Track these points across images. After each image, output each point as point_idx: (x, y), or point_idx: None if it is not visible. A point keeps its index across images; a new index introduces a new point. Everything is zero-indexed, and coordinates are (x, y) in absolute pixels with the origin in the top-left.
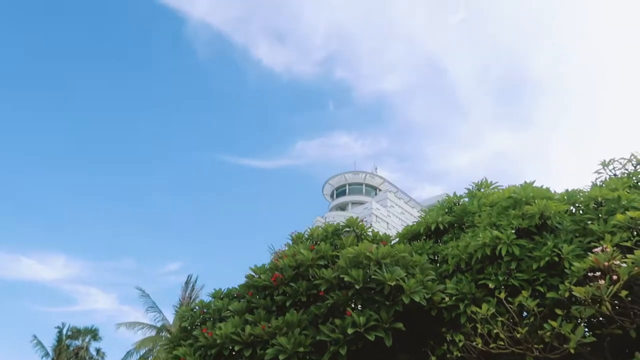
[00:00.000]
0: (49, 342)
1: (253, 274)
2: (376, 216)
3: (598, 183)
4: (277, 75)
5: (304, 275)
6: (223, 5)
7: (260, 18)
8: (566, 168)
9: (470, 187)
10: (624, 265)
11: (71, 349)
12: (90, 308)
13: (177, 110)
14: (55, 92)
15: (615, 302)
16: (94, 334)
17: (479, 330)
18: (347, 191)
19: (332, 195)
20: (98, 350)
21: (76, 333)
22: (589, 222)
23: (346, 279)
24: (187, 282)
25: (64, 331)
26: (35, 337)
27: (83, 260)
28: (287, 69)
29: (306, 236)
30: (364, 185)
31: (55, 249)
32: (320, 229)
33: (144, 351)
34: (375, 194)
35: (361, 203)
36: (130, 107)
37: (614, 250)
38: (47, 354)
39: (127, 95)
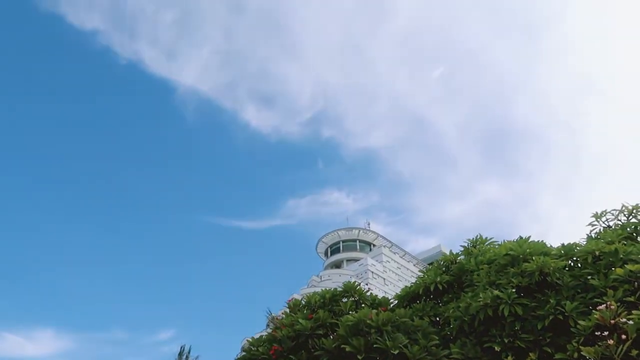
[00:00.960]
0: None
1: (250, 346)
2: (372, 272)
3: (593, 235)
4: (265, 137)
5: (304, 345)
6: (212, 72)
7: (247, 83)
8: (556, 215)
9: (466, 244)
10: (631, 322)
11: None
12: None
13: (166, 173)
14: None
15: None
16: None
17: None
18: (341, 248)
19: (326, 253)
20: None
21: None
22: (589, 277)
23: (347, 349)
24: (180, 354)
25: None
26: None
27: (72, 332)
28: (275, 130)
29: (303, 303)
30: (357, 242)
31: (41, 322)
32: (317, 295)
33: None
34: (370, 249)
35: (356, 260)
36: (119, 170)
37: (618, 307)
38: None
39: (117, 158)
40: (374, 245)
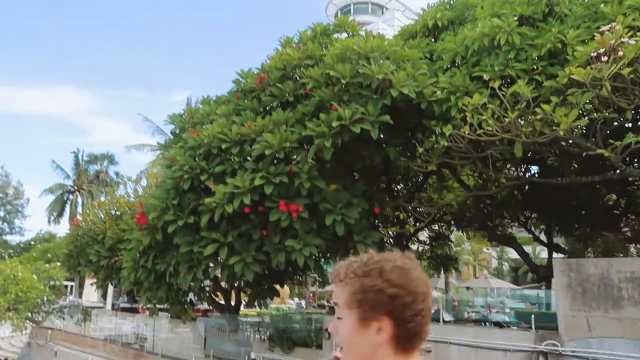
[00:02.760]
0: (67, 166)
1: (240, 78)
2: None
3: None
4: None
5: (291, 76)
6: None
7: None
8: None
9: None
10: (633, 42)
11: (90, 172)
12: (103, 138)
13: None
14: None
15: (615, 84)
16: (110, 159)
17: (469, 120)
18: (352, 11)
19: (336, 16)
20: (117, 174)
21: (93, 159)
22: (602, 5)
23: (332, 74)
24: (187, 104)
25: (80, 156)
26: (54, 161)
27: (90, 90)
28: None
29: (296, 40)
30: (369, 4)
31: (59, 80)
32: (309, 30)
33: (157, 170)
34: (382, 13)
35: (367, 24)
36: None
37: (624, 30)
38: (67, 176)
39: None
40: (386, 9)
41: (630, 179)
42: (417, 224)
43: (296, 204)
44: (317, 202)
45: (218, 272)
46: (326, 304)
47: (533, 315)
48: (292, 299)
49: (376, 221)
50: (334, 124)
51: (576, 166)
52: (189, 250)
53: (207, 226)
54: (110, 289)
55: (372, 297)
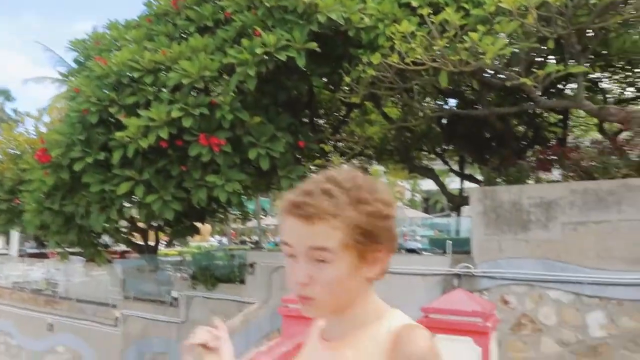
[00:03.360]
0: None
1: (152, 0)
2: None
3: None
4: None
5: None
6: None
7: None
8: None
9: None
10: None
11: None
12: None
13: None
14: None
15: (540, 12)
16: (6, 95)
17: (397, 48)
18: None
19: None
20: (15, 111)
21: None
22: None
23: None
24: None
25: None
26: None
27: None
28: None
29: None
30: None
31: None
32: None
33: (62, 105)
34: None
35: None
36: None
37: None
38: None
39: None
40: None
41: (538, 111)
42: (341, 158)
43: (218, 137)
44: (240, 135)
45: (134, 212)
46: (247, 240)
47: (450, 241)
48: (213, 237)
49: (300, 156)
50: (258, 50)
51: (493, 98)
52: (100, 190)
53: (120, 163)
54: (16, 234)
55: (378, 226)
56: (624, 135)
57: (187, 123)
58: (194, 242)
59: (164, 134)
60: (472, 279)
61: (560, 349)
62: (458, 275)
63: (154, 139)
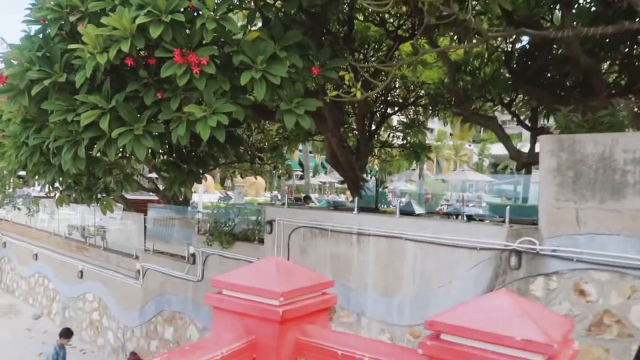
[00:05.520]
0: None
1: None
2: None
3: None
4: None
5: None
6: None
7: None
8: None
9: None
10: None
11: None
12: None
13: None
14: None
15: None
16: None
17: None
18: None
19: None
20: None
21: None
22: None
23: None
24: None
25: None
26: None
27: None
28: None
29: None
30: None
31: None
32: None
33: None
34: None
35: None
36: None
37: None
38: None
39: None
40: None
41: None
42: (390, 109)
43: (198, 55)
44: (230, 52)
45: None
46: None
47: (508, 207)
48: (270, 192)
49: (314, 85)
50: None
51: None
52: (63, 120)
53: (88, 88)
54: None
55: None
56: None
57: (155, 32)
58: (248, 197)
59: (125, 47)
60: (536, 259)
61: None
62: (517, 252)
63: (114, 54)
